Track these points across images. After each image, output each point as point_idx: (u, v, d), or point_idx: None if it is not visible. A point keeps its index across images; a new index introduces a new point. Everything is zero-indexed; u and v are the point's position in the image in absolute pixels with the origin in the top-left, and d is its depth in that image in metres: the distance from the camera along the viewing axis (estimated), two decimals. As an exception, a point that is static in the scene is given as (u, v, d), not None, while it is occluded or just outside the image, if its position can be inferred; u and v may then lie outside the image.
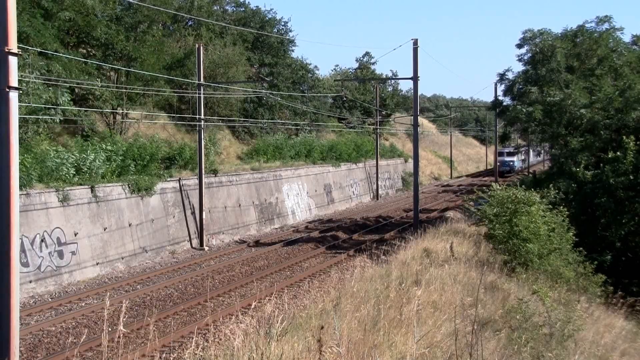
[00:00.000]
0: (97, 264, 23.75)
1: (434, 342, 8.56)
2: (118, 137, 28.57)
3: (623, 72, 36.42)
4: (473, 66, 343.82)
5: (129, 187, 26.15)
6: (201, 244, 29.45)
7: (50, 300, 19.91)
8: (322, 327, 7.24)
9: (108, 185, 25.13)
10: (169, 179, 29.12)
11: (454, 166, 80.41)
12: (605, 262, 22.88)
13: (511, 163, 74.58)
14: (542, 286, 14.29)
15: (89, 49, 32.20)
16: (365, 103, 60.85)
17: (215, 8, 49.00)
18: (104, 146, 26.45)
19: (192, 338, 15.19)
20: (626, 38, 60.11)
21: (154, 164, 29.00)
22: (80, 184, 23.86)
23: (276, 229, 36.12)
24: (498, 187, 20.56)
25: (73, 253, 22.75)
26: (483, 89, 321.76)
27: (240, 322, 8.22)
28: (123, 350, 13.28)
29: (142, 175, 27.44)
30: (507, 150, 74.81)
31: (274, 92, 42.98)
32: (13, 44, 8.08)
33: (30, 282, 20.67)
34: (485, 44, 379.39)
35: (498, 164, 67.85)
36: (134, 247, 25.87)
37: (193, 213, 29.95)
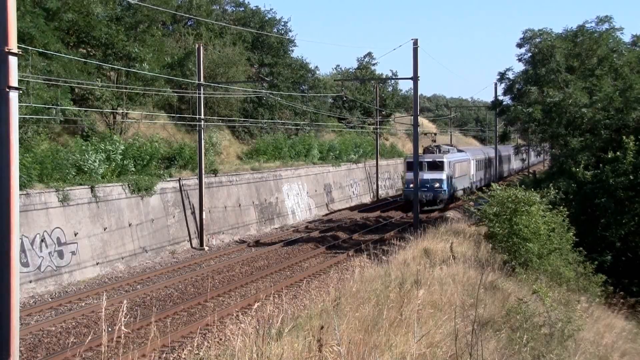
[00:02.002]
0: (97, 264, 23.75)
1: (434, 342, 8.56)
2: (116, 137, 28.56)
3: (623, 72, 36.42)
4: (473, 66, 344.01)
5: (129, 187, 26.15)
6: (201, 244, 29.44)
7: (50, 300, 19.90)
8: (322, 327, 7.24)
9: (108, 185, 25.13)
10: (169, 179, 29.12)
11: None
12: (605, 263, 22.87)
13: (436, 185, 39.75)
14: (542, 286, 14.28)
15: (89, 49, 32.20)
16: (366, 103, 60.84)
17: (215, 8, 48.98)
18: (103, 146, 26.47)
19: (193, 338, 15.20)
20: (626, 38, 60.11)
21: (153, 164, 29.00)
22: (80, 184, 23.86)
23: (276, 229, 36.11)
24: (498, 187, 20.56)
25: (73, 253, 22.74)
26: (483, 89, 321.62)
27: (241, 322, 8.21)
28: (123, 350, 13.28)
29: (142, 175, 27.44)
30: (428, 158, 40.36)
31: (274, 92, 42.97)
32: (13, 44, 8.07)
33: (30, 282, 20.67)
34: (485, 43, 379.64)
35: (409, 185, 37.67)
36: (134, 247, 25.87)
37: (193, 213, 29.94)
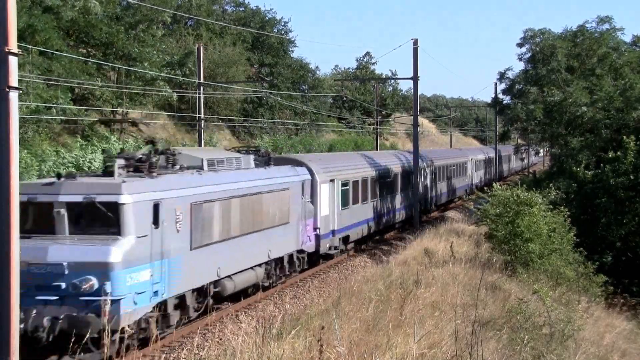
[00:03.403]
0: (97, 263, 23.67)
1: (434, 343, 8.56)
2: (114, 136, 28.62)
3: (623, 72, 36.39)
4: (473, 66, 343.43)
5: (129, 187, 26.09)
6: (201, 244, 29.30)
7: (50, 300, 19.83)
8: (323, 327, 7.24)
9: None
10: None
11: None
12: (606, 263, 22.87)
13: (84, 286, 10.26)
14: (542, 286, 14.29)
15: (89, 49, 32.19)
16: (365, 103, 60.82)
17: (215, 8, 48.98)
18: (99, 145, 26.55)
19: (193, 338, 15.18)
20: (626, 38, 59.91)
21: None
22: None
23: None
24: (499, 187, 20.56)
25: (73, 253, 22.63)
26: (483, 89, 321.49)
27: (241, 322, 8.21)
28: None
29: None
30: (66, 195, 10.80)
31: (274, 92, 42.96)
32: (13, 44, 8.06)
33: (30, 282, 20.61)
34: (485, 43, 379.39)
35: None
36: (134, 247, 25.78)
37: (193, 213, 29.77)
